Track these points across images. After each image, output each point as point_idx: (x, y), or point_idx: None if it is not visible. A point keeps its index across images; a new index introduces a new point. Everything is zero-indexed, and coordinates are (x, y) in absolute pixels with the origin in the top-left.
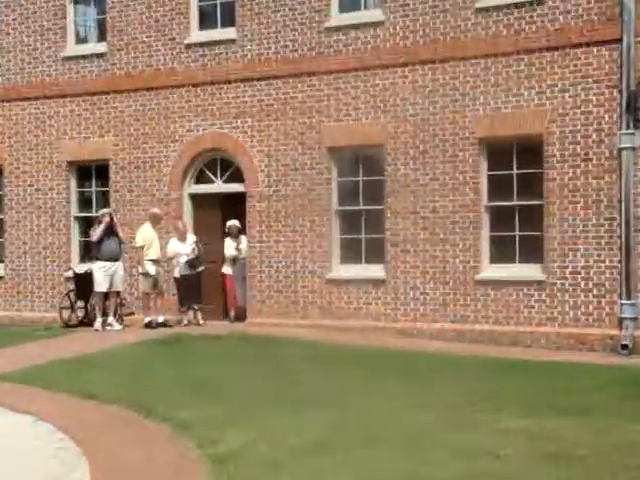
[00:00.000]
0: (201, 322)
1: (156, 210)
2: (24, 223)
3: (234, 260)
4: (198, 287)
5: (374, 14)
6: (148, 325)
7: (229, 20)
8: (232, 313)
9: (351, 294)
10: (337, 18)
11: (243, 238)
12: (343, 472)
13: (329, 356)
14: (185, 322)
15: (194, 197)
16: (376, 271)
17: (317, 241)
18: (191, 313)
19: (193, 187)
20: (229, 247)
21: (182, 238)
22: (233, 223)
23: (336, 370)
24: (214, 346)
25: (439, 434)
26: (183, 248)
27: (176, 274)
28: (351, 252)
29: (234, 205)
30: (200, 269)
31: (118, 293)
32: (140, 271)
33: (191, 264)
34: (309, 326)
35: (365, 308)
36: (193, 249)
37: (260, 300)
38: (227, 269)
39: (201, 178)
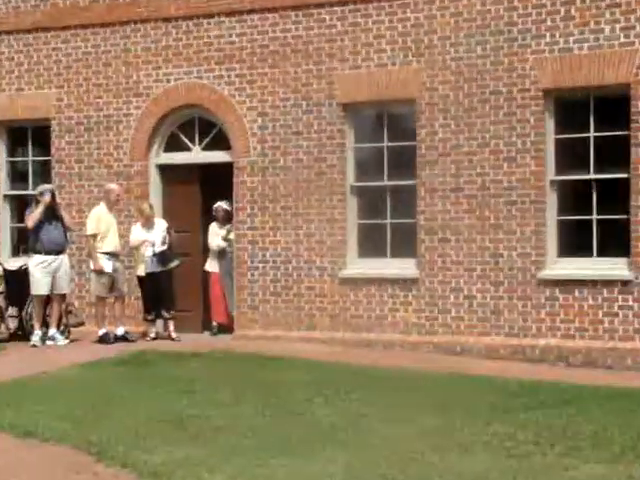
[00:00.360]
0: (174, 335)
1: (113, 186)
2: None
3: (221, 253)
4: (170, 289)
5: None
6: (103, 339)
7: None
8: (215, 323)
9: (373, 298)
10: None
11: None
12: None
13: (343, 382)
14: (152, 335)
15: (164, 170)
16: (406, 267)
17: (327, 228)
18: (160, 323)
19: (163, 156)
20: (215, 236)
21: (149, 224)
22: (220, 205)
23: (353, 402)
24: (191, 368)
25: None
26: (150, 237)
27: (141, 272)
28: (373, 242)
29: (217, 180)
30: (173, 265)
31: (63, 297)
32: (92, 268)
33: (161, 258)
34: (317, 340)
35: (391, 316)
36: (163, 238)
37: (251, 306)
38: (212, 265)
39: (173, 144)
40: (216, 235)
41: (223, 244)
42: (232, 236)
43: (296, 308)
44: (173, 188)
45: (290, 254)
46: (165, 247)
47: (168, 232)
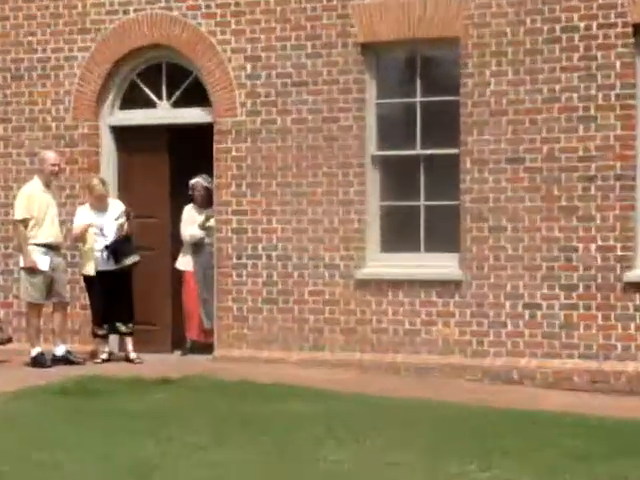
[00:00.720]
0: (133, 356)
1: (50, 155)
2: None
3: (197, 247)
4: (128, 294)
5: None
6: (37, 361)
7: None
8: (190, 339)
9: (400, 307)
10: None
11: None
12: None
13: (361, 418)
14: (104, 356)
15: (120, 133)
16: (445, 266)
17: (340, 212)
18: (115, 340)
19: (118, 115)
20: (190, 224)
21: (100, 206)
22: (198, 182)
23: (376, 445)
24: (157, 400)
25: None
26: (101, 224)
27: (89, 270)
28: (401, 232)
29: (192, 148)
30: (130, 261)
31: None
32: (22, 265)
33: (116, 253)
34: (326, 364)
35: (425, 332)
36: (120, 226)
37: (237, 317)
38: (185, 262)
39: (133, 99)
40: (191, 222)
41: (199, 234)
42: (212, 223)
43: (298, 320)
44: (133, 158)
45: (290, 247)
46: (121, 238)
47: (126, 217)
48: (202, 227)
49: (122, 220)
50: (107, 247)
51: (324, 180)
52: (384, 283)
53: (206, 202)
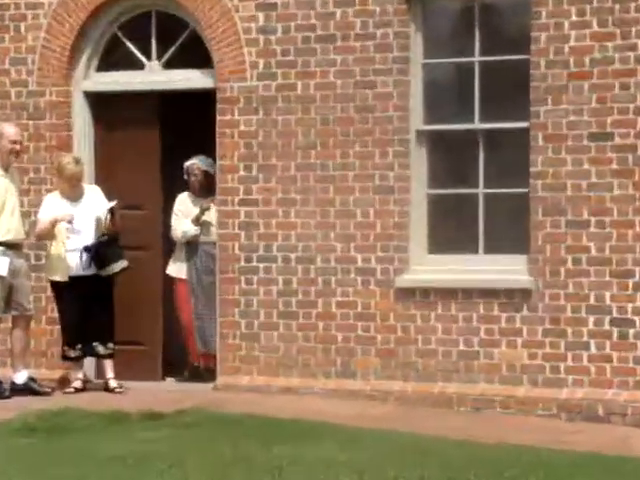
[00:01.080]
0: (114, 385)
1: (9, 129)
2: None
3: (192, 247)
4: (108, 305)
5: None
6: None
7: None
8: (194, 363)
9: (453, 323)
10: None
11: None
12: None
13: (407, 464)
14: (77, 384)
15: (98, 101)
16: (510, 270)
17: (377, 203)
18: (92, 364)
19: (95, 78)
20: (185, 216)
21: (73, 193)
22: (195, 164)
23: None
24: (144, 441)
25: None
26: (76, 215)
27: (60, 275)
28: (454, 228)
29: (189, 119)
30: (119, 267)
31: None
32: None
33: (99, 255)
34: (358, 395)
35: (485, 354)
36: (100, 221)
37: (246, 336)
38: (177, 266)
39: (114, 58)
40: (186, 215)
41: (193, 230)
42: (211, 216)
43: (323, 339)
44: (114, 133)
45: (313, 247)
46: (102, 236)
47: (110, 212)
48: (197, 222)
49: (106, 214)
50: (87, 249)
51: (356, 162)
52: (432, 292)
53: (205, 190)
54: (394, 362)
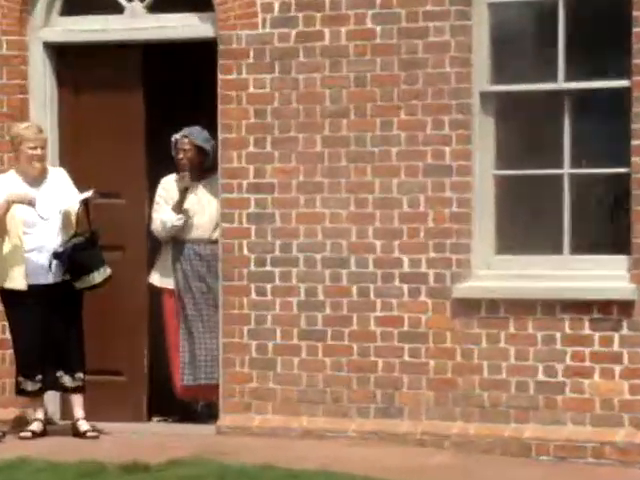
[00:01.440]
0: (85, 426)
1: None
2: None
3: (178, 245)
4: (77, 323)
5: None
6: None
7: None
8: (201, 403)
9: (531, 345)
10: None
11: (215, 180)
12: None
13: None
14: (35, 426)
15: (63, 54)
16: (606, 275)
17: (429, 188)
18: (54, 400)
19: (60, 24)
20: (165, 203)
21: (34, 172)
22: (187, 136)
23: None
24: None
25: None
26: (40, 201)
27: (15, 282)
28: (529, 221)
29: (182, 78)
30: (101, 277)
31: None
32: None
33: (70, 261)
34: (403, 439)
35: (573, 386)
36: (69, 216)
37: (256, 362)
38: (162, 274)
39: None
40: (169, 202)
41: (175, 220)
42: (205, 201)
43: (358, 366)
44: (85, 96)
45: (345, 246)
46: (80, 239)
47: (84, 204)
48: (179, 209)
49: (78, 206)
50: (58, 255)
51: (401, 135)
52: (502, 305)
53: (197, 171)
54: (452, 396)
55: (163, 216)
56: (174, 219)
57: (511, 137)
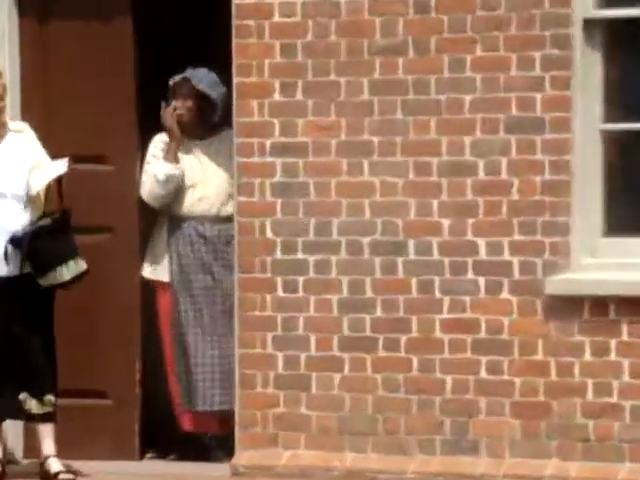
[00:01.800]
0: (55, 465)
1: None
2: None
3: (174, 223)
4: (46, 330)
5: None
6: None
7: None
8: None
9: None
10: None
11: (226, 139)
12: None
13: None
14: None
15: None
16: None
17: (512, 149)
18: (16, 430)
19: None
20: (153, 157)
21: None
22: (189, 79)
23: None
24: None
25: None
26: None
27: None
28: None
29: (185, 7)
30: (72, 273)
31: None
32: None
33: (32, 250)
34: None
35: None
36: (33, 189)
37: (285, 381)
38: (155, 262)
39: None
40: (156, 158)
41: (172, 169)
42: (205, 162)
43: (419, 387)
44: (56, 33)
45: (401, 228)
46: (46, 221)
47: (57, 178)
48: (173, 158)
49: (48, 178)
50: (16, 240)
51: (476, 77)
52: (613, 304)
53: (202, 128)
54: (545, 426)
55: (156, 169)
56: (169, 168)
57: (625, 80)
